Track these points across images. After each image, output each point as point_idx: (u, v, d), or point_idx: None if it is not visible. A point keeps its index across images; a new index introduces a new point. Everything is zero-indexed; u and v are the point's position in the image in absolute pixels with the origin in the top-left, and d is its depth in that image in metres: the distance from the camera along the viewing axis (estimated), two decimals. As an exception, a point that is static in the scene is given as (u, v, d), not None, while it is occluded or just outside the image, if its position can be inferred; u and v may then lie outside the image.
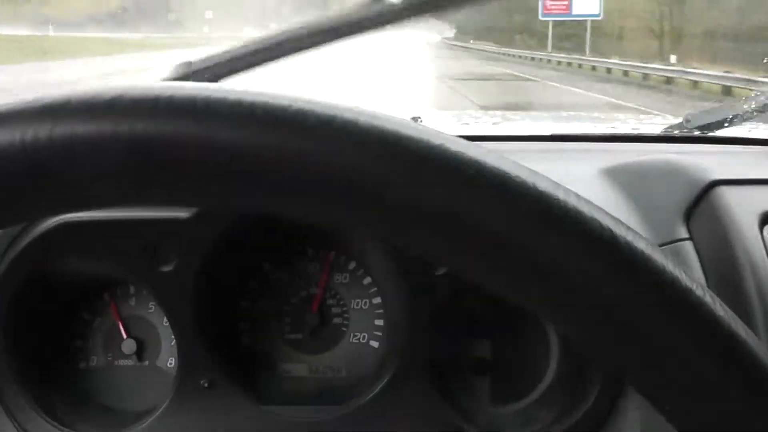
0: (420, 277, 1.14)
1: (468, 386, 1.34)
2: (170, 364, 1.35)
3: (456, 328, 1.35)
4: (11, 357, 1.19)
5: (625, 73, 22.05)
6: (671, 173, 1.21)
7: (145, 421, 1.19)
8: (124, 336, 1.34)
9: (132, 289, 1.36)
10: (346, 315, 1.36)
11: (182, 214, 1.11)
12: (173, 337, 1.35)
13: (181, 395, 1.20)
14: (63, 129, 0.29)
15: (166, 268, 1.14)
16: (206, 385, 1.18)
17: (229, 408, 1.19)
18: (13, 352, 1.19)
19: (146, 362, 1.35)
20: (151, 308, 1.36)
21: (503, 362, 1.33)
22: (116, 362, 1.35)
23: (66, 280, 1.24)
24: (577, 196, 0.35)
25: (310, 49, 1.15)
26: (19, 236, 1.16)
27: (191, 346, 1.19)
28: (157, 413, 1.19)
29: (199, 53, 1.22)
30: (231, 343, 1.34)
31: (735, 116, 1.59)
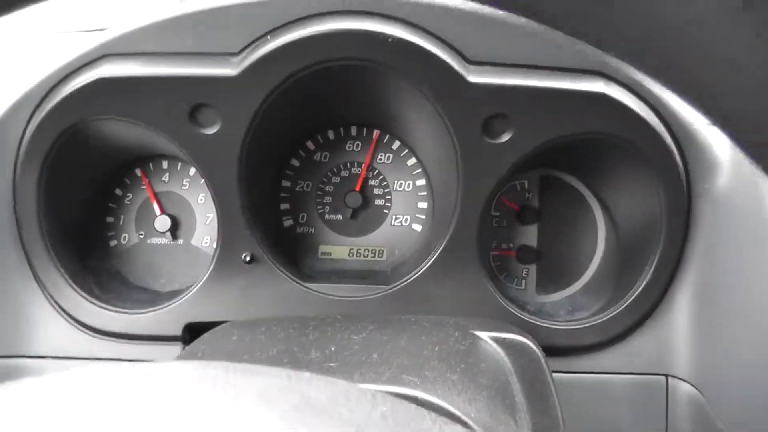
0: (475, 148, 1.10)
1: (515, 274, 1.31)
2: (205, 243, 1.31)
3: (504, 213, 1.33)
4: (44, 230, 1.13)
5: None
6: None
7: (183, 297, 1.15)
8: (158, 212, 1.29)
9: (165, 164, 1.30)
10: (388, 197, 1.32)
11: (230, 71, 1.04)
12: (211, 214, 1.30)
13: (221, 270, 1.14)
14: None
15: (210, 131, 1.08)
16: (247, 259, 1.14)
17: (269, 283, 1.15)
18: (46, 225, 1.13)
19: (180, 240, 1.30)
20: (185, 185, 1.31)
21: (549, 250, 1.30)
22: (149, 240, 1.30)
23: (99, 146, 1.17)
24: None
25: None
26: (52, 92, 1.08)
27: (233, 218, 1.13)
28: (195, 288, 1.15)
29: None
30: (272, 222, 1.29)
31: None
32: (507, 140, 1.07)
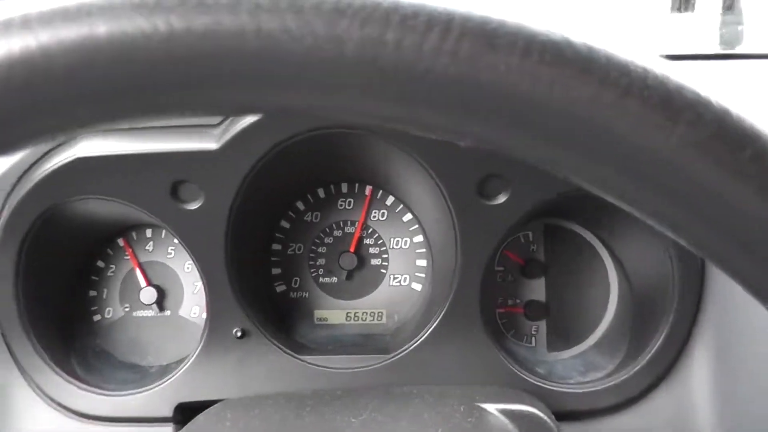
0: (471, 210, 1.11)
1: (523, 331, 1.33)
2: (194, 313, 1.33)
3: (508, 267, 1.34)
4: (24, 311, 1.15)
5: None
6: None
7: (173, 376, 1.17)
8: (143, 284, 1.31)
9: (149, 233, 1.32)
10: (385, 255, 1.34)
11: (211, 145, 1.06)
12: (199, 283, 1.32)
13: (211, 346, 1.17)
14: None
15: (193, 206, 1.10)
16: (239, 334, 1.16)
17: (263, 358, 1.17)
18: (25, 308, 1.15)
19: (168, 312, 1.32)
20: (170, 253, 1.33)
21: (559, 304, 1.32)
22: (135, 313, 1.32)
23: (78, 225, 1.20)
24: None
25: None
26: (26, 174, 1.11)
27: (221, 292, 1.15)
28: (186, 366, 1.17)
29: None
30: (263, 290, 1.31)
31: None
32: (504, 201, 1.09)
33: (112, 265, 1.33)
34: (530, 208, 1.11)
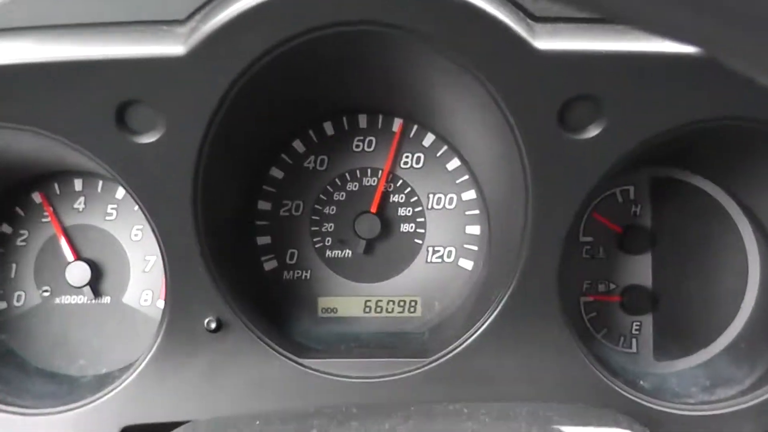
0: (549, 148, 1.11)
1: (620, 330, 1.33)
2: (145, 300, 1.34)
3: (600, 237, 1.35)
4: None
5: None
6: None
7: (114, 388, 1.17)
8: (70, 257, 1.32)
9: (78, 184, 1.33)
10: (420, 219, 1.34)
11: (175, 49, 1.06)
12: (152, 257, 1.33)
13: (171, 345, 1.17)
14: None
15: (148, 139, 1.11)
16: (212, 326, 1.16)
17: (246, 361, 1.16)
18: None
19: (107, 298, 1.33)
20: (110, 214, 1.34)
21: (671, 292, 1.31)
22: (58, 300, 1.33)
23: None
24: None
25: None
26: None
27: (187, 269, 1.16)
28: (134, 374, 1.16)
29: None
30: (247, 266, 1.31)
31: None
32: (597, 135, 1.10)
33: (22, 231, 1.34)
34: (633, 147, 1.11)
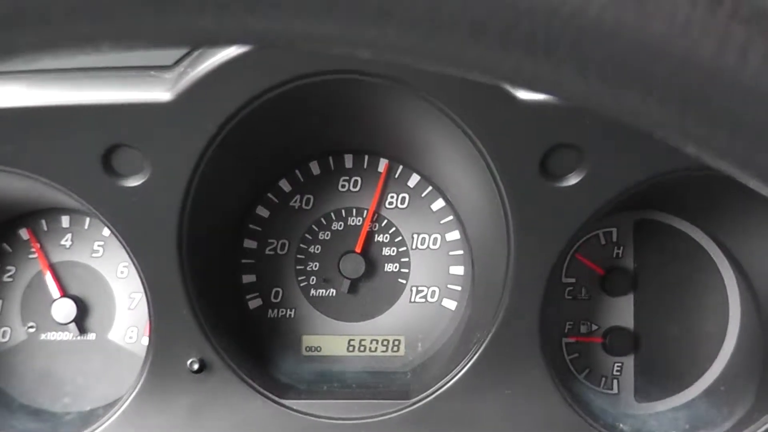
0: (531, 195, 1.12)
1: (602, 371, 1.34)
2: (130, 338, 1.35)
3: (582, 279, 1.36)
4: None
5: None
6: None
7: (98, 426, 1.17)
8: (56, 294, 1.32)
9: (65, 221, 1.34)
10: (404, 259, 1.35)
11: (162, 95, 1.08)
12: (138, 295, 1.33)
13: (155, 384, 1.18)
14: None
15: (134, 182, 1.12)
16: (195, 367, 1.17)
17: (229, 402, 1.17)
18: None
19: (92, 335, 1.34)
20: (97, 251, 1.35)
21: (653, 333, 1.32)
22: (43, 336, 1.33)
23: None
24: None
25: None
26: None
27: (172, 308, 1.17)
28: (118, 412, 1.17)
29: None
30: (231, 305, 1.32)
31: None
32: (578, 183, 1.11)
33: (9, 267, 1.35)
34: (614, 194, 1.12)
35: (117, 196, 1.13)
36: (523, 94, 1.07)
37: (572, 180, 1.12)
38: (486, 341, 1.18)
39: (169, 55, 1.10)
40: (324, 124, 1.25)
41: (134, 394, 1.20)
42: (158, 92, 1.09)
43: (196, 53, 1.09)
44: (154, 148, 1.10)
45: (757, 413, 1.20)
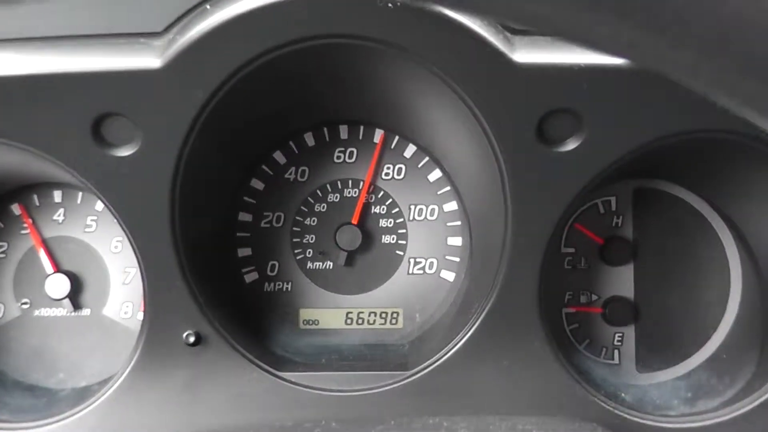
0: (528, 160, 1.11)
1: (602, 341, 1.33)
2: (125, 313, 1.34)
3: (581, 248, 1.35)
4: None
5: None
6: None
7: (93, 402, 1.16)
8: (50, 269, 1.31)
9: (57, 195, 1.33)
10: (402, 230, 1.34)
11: (152, 62, 1.06)
12: (133, 269, 1.33)
13: (151, 359, 1.17)
14: None
15: (125, 152, 1.10)
16: (191, 340, 1.16)
17: (226, 376, 1.16)
18: None
19: (86, 311, 1.33)
20: (90, 226, 1.33)
21: (653, 303, 1.32)
22: (37, 312, 1.33)
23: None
24: None
25: None
26: None
27: (166, 281, 1.16)
28: (113, 388, 1.16)
29: None
30: (227, 278, 1.31)
31: None
32: (576, 148, 1.10)
33: (2, 243, 1.34)
34: (613, 159, 1.11)
35: (108, 167, 1.11)
36: (521, 57, 1.06)
37: (570, 145, 1.10)
38: (484, 312, 1.17)
39: (159, 21, 1.09)
40: (318, 93, 1.23)
41: (129, 369, 1.19)
42: (148, 59, 1.07)
43: (186, 20, 1.08)
44: (144, 116, 1.09)
45: (758, 381, 1.19)
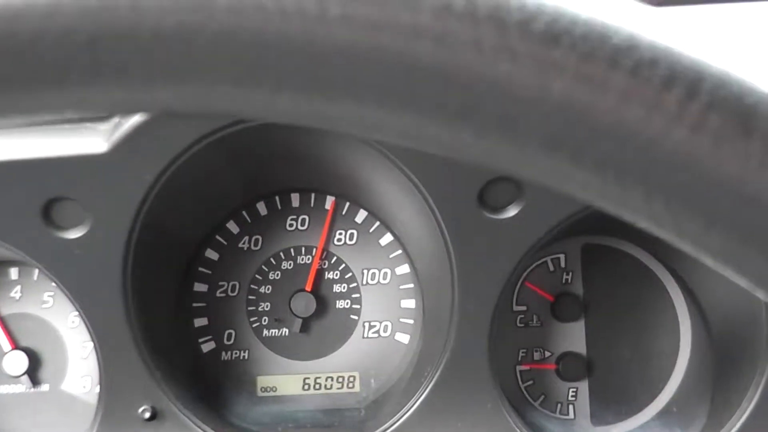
0: (471, 227, 1.13)
1: (557, 397, 1.34)
2: (85, 387, 1.34)
3: (533, 306, 1.36)
4: None
5: None
6: None
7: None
8: (7, 347, 1.32)
9: (13, 273, 1.34)
10: (356, 295, 1.35)
11: (98, 146, 1.08)
12: (90, 344, 1.33)
13: (108, 432, 1.20)
14: None
15: (74, 234, 1.12)
16: (146, 416, 1.17)
17: (184, 451, 1.18)
18: None
19: (45, 386, 1.33)
20: (47, 302, 1.34)
21: (605, 358, 1.33)
22: (-4, 390, 1.35)
23: None
24: None
25: None
26: None
27: (121, 356, 1.17)
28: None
29: None
30: (183, 350, 1.32)
31: None
32: (516, 214, 1.12)
33: None
34: (553, 224, 1.13)
35: (59, 249, 1.13)
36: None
37: (511, 212, 1.13)
38: (436, 375, 1.19)
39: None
40: (269, 167, 1.26)
41: None
42: (94, 143, 1.09)
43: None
44: (93, 199, 1.11)
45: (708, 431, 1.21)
